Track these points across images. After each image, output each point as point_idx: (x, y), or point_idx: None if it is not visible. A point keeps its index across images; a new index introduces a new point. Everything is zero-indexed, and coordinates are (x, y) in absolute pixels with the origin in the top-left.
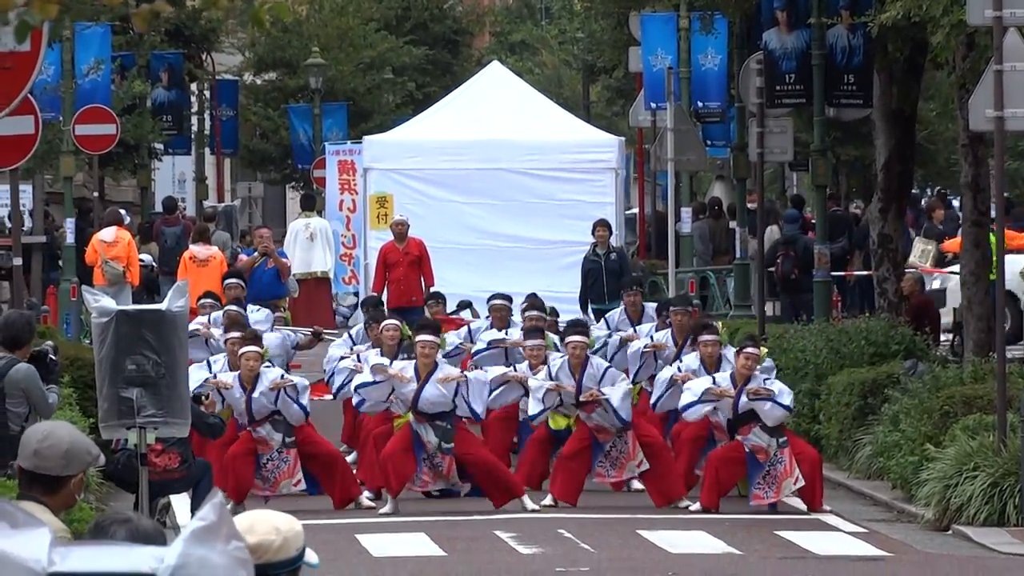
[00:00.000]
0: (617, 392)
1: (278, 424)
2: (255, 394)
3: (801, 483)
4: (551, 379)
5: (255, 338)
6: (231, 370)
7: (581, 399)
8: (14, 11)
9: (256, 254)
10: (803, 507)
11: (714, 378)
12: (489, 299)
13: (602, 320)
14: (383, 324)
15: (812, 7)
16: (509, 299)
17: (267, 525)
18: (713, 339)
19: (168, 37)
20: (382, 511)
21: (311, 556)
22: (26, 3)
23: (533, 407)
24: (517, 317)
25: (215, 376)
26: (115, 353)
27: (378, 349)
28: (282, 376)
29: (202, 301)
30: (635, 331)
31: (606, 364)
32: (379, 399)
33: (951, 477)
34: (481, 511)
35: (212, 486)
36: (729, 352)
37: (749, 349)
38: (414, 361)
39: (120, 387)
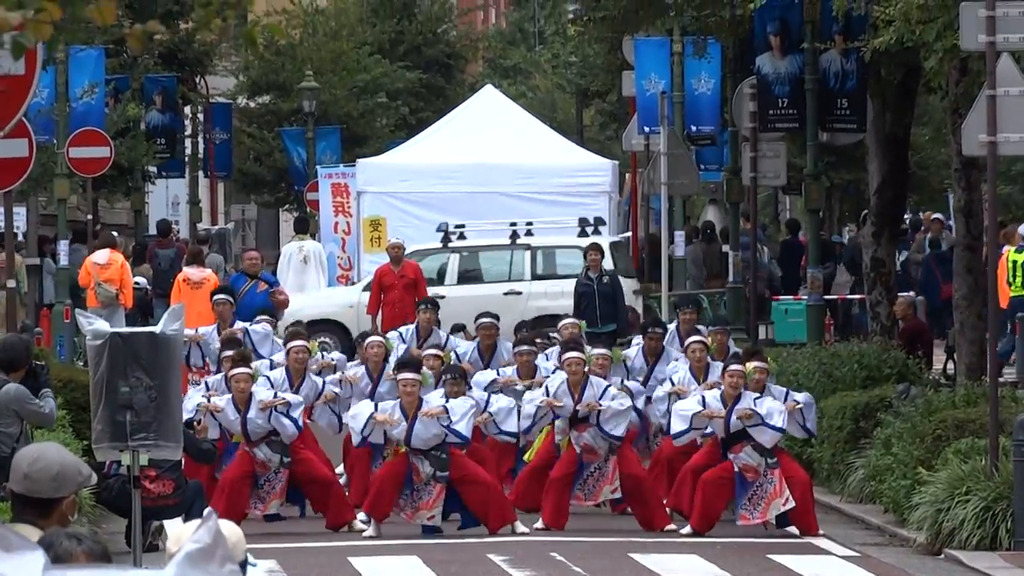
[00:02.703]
0: (614, 406)
1: (275, 445)
2: (250, 415)
3: (791, 504)
4: (548, 396)
5: (244, 359)
6: (227, 388)
7: (579, 409)
8: (9, 33)
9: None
10: (795, 531)
11: (703, 398)
12: (477, 318)
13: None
14: (367, 341)
15: (805, 32)
16: (496, 317)
17: None
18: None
19: (162, 60)
20: (365, 534)
21: (251, 558)
22: (20, 25)
23: (524, 422)
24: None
25: (208, 400)
26: (109, 375)
27: (363, 367)
28: (275, 395)
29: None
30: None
31: (606, 383)
32: (377, 440)
33: (943, 501)
34: (474, 534)
35: (205, 507)
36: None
37: (734, 367)
38: (398, 401)
39: (113, 409)
